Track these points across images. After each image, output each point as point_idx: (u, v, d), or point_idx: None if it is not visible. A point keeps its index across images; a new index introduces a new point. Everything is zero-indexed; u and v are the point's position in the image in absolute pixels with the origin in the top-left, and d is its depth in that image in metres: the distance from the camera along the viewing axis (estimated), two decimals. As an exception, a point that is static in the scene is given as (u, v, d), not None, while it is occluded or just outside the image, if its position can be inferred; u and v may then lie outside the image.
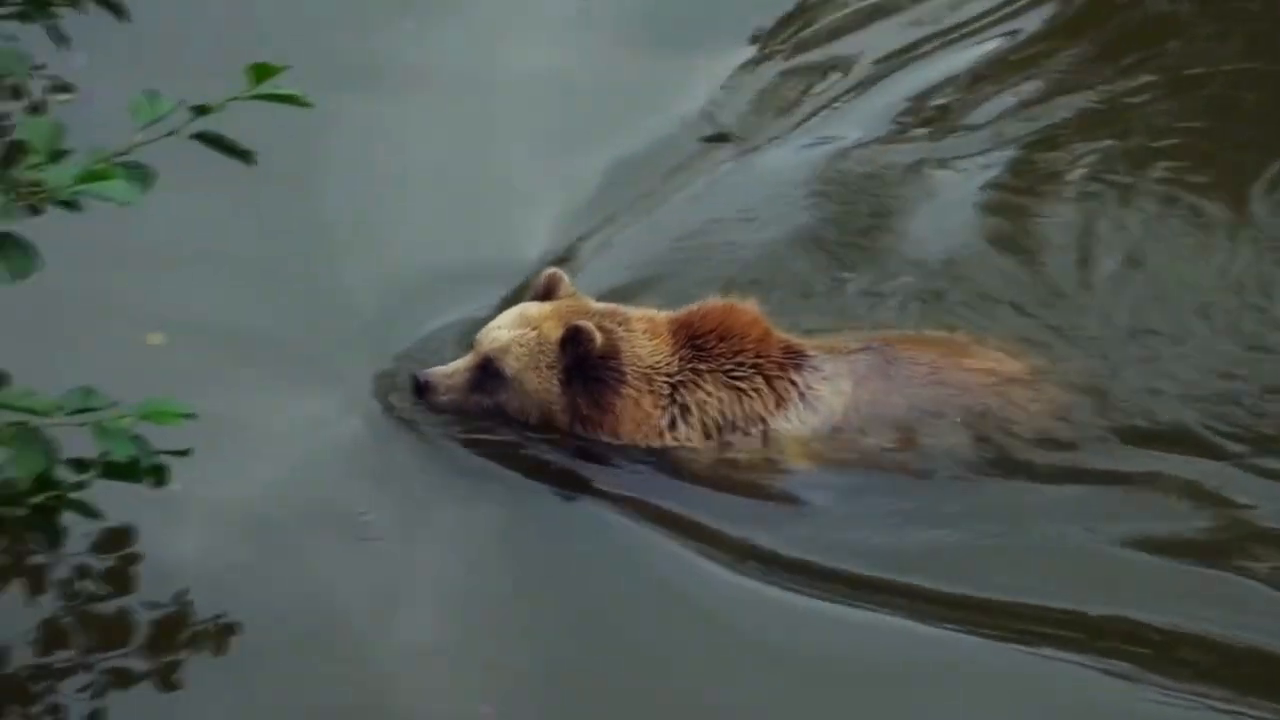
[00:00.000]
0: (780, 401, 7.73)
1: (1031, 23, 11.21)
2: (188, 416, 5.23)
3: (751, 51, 10.89)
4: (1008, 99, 10.53)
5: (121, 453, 5.18)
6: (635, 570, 7.41)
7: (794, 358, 7.79)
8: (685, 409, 7.73)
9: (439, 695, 6.91)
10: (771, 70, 10.79)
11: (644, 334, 7.75)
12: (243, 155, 5.11)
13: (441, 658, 7.06)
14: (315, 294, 8.73)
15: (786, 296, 8.68)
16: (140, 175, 4.92)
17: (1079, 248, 9.15)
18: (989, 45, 11.05)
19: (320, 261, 8.91)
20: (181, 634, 6.91)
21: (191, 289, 8.55)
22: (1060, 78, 10.71)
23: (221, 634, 6.92)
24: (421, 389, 7.64)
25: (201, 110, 4.98)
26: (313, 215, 9.07)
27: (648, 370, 7.74)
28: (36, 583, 7.04)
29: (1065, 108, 10.42)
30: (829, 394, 7.75)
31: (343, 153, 9.29)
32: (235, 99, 5.00)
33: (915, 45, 11.03)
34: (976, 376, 7.88)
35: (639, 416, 7.70)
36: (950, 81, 10.71)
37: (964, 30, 11.17)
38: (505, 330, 7.72)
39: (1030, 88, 10.63)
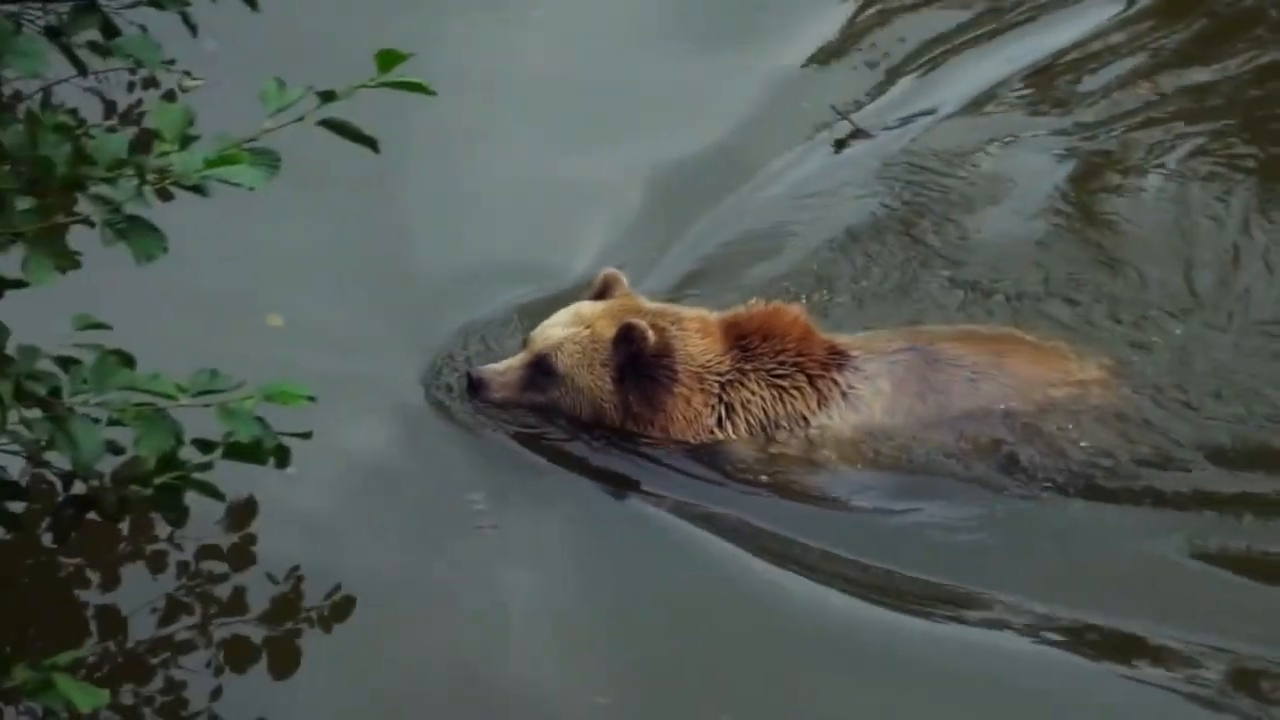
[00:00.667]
0: (822, 400, 7.76)
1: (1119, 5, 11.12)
2: (309, 399, 5.29)
3: (829, 43, 10.87)
4: (1102, 81, 10.44)
5: (245, 433, 5.24)
6: (709, 567, 7.46)
7: (836, 357, 7.83)
8: (731, 407, 7.80)
9: (549, 680, 6.95)
10: (851, 61, 10.76)
11: (696, 333, 7.81)
12: (368, 142, 5.14)
13: (552, 645, 7.12)
14: (401, 285, 8.85)
15: (871, 290, 8.71)
16: (267, 160, 4.97)
17: (1172, 245, 9.05)
18: (1070, 33, 10.95)
19: (401, 253, 9.03)
20: (295, 608, 7.01)
21: (296, 280, 8.71)
22: (1160, 59, 10.60)
23: (334, 611, 7.01)
24: (475, 386, 7.71)
25: (328, 97, 5.01)
26: (398, 209, 9.17)
27: (699, 369, 7.79)
28: (158, 557, 7.17)
29: (1167, 89, 10.33)
30: (869, 394, 7.78)
31: (430, 149, 9.35)
32: (362, 85, 5.03)
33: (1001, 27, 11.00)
34: (1018, 381, 7.84)
35: (689, 415, 7.76)
36: (1042, 65, 10.64)
37: (1041, 14, 11.10)
38: (559, 328, 7.80)
39: (1126, 68, 10.54)
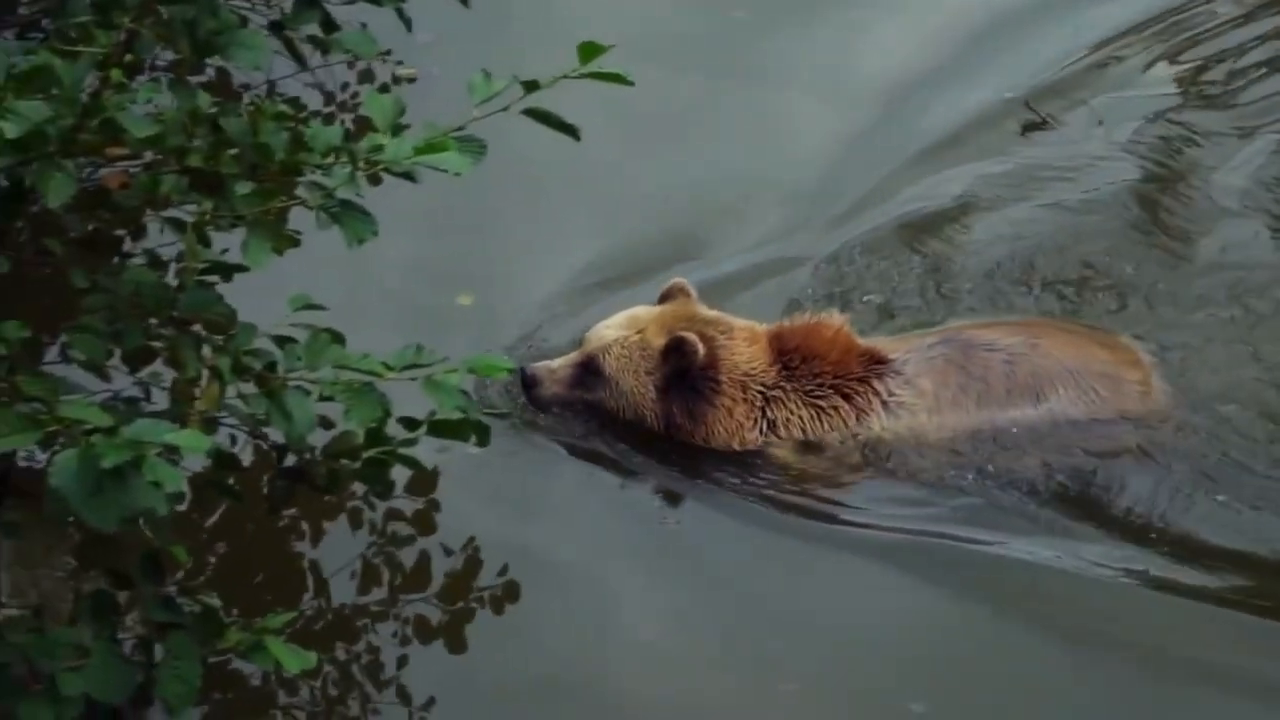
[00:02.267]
0: (861, 414, 7.74)
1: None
2: (510, 371, 5.45)
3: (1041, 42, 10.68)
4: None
5: (449, 406, 5.41)
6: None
7: (874, 367, 7.80)
8: (773, 424, 7.79)
9: (717, 670, 7.08)
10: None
11: (744, 342, 7.80)
12: (570, 130, 5.28)
13: (721, 634, 7.24)
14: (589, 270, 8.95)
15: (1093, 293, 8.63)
16: (472, 148, 5.14)
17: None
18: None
19: (592, 240, 9.12)
20: (469, 588, 7.19)
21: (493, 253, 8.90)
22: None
23: (503, 595, 7.18)
24: (528, 383, 7.68)
25: (531, 87, 5.14)
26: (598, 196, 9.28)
27: (743, 379, 7.79)
28: (358, 526, 7.39)
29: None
30: (910, 397, 7.74)
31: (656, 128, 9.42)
32: (565, 77, 5.17)
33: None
34: (1055, 363, 7.81)
35: (731, 427, 7.78)
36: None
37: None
38: (612, 330, 7.82)
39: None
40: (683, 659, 7.13)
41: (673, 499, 7.77)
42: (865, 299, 8.63)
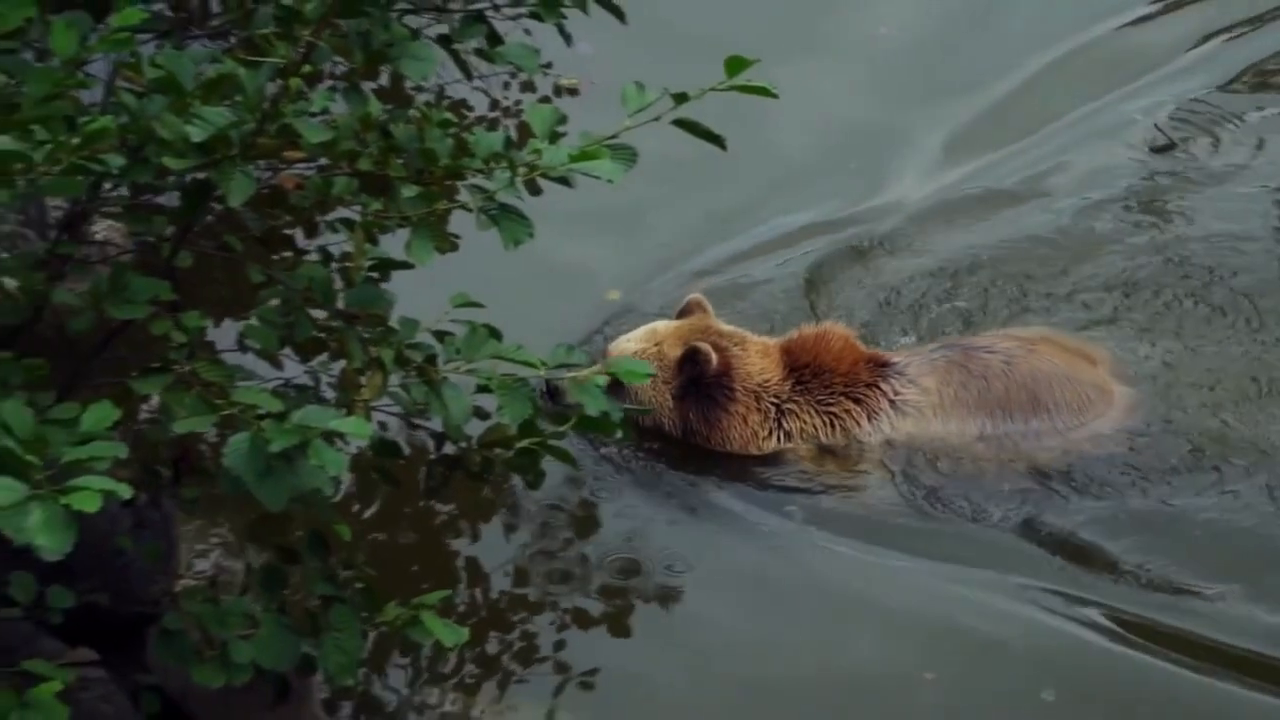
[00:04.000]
0: (872, 414, 7.88)
1: None
2: (649, 376, 5.59)
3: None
4: None
5: (594, 407, 5.57)
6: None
7: (880, 370, 7.96)
8: (789, 434, 7.95)
9: (867, 662, 7.19)
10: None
11: (758, 354, 7.96)
12: (716, 140, 5.37)
13: (870, 628, 7.37)
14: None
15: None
16: (625, 156, 5.25)
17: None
18: None
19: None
20: (631, 585, 7.33)
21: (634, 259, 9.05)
22: None
23: (666, 595, 7.32)
24: (551, 393, 7.65)
25: (681, 98, 5.25)
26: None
27: (756, 389, 7.96)
28: (514, 519, 7.54)
29: None
30: (915, 395, 7.90)
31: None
32: (712, 89, 5.24)
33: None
34: (1051, 367, 7.96)
35: (746, 434, 7.94)
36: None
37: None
38: (632, 343, 7.97)
39: None
40: (835, 647, 7.31)
41: (796, 507, 7.89)
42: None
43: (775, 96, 5.21)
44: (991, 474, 7.84)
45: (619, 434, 5.80)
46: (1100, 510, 7.72)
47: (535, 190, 5.35)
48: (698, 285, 8.73)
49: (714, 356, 7.87)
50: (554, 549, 7.50)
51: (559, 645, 7.10)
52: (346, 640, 5.74)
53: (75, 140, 4.53)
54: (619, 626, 7.26)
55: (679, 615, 7.36)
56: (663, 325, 8.16)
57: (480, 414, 5.77)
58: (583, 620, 7.23)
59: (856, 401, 7.99)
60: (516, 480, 7.39)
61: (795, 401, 7.98)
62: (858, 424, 7.98)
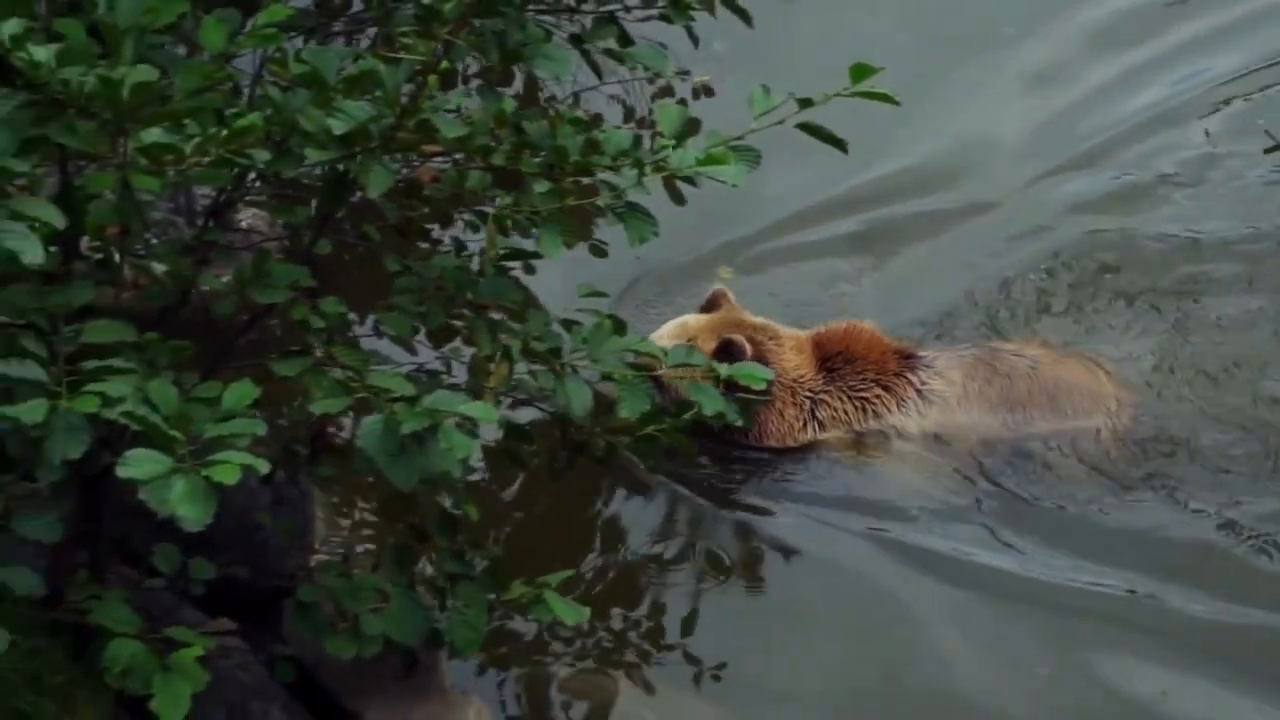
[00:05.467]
0: (900, 402, 7.86)
1: None
2: (767, 381, 5.66)
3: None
4: None
5: (710, 407, 5.65)
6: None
7: (908, 361, 7.96)
8: (821, 424, 7.89)
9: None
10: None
11: (791, 349, 7.88)
12: (838, 144, 5.39)
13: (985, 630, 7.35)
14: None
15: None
16: (748, 157, 5.28)
17: None
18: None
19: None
20: (744, 571, 7.42)
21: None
22: None
23: (786, 580, 7.45)
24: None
25: (805, 103, 5.27)
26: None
27: (791, 383, 7.91)
28: (636, 502, 7.62)
29: None
30: (941, 386, 7.90)
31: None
32: (836, 94, 5.25)
33: None
34: (1074, 377, 7.98)
35: (783, 427, 7.88)
36: None
37: None
38: (664, 339, 7.76)
39: None
40: (950, 643, 7.29)
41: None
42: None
43: (898, 104, 5.20)
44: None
45: (737, 420, 5.84)
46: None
47: (679, 199, 5.39)
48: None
49: (748, 348, 7.76)
50: (672, 532, 7.57)
51: (683, 627, 7.16)
52: (473, 616, 5.88)
53: (223, 134, 4.63)
54: (741, 611, 7.33)
55: (795, 601, 7.43)
56: (693, 319, 8.10)
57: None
58: (708, 604, 7.30)
59: (886, 389, 8.01)
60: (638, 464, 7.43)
61: (827, 390, 7.96)
62: (888, 410, 7.98)
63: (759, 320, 8.12)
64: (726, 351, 7.76)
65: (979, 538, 7.64)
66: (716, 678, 6.98)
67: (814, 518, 7.78)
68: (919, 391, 8.00)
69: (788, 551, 7.56)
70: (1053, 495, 7.78)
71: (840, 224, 9.27)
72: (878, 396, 8.00)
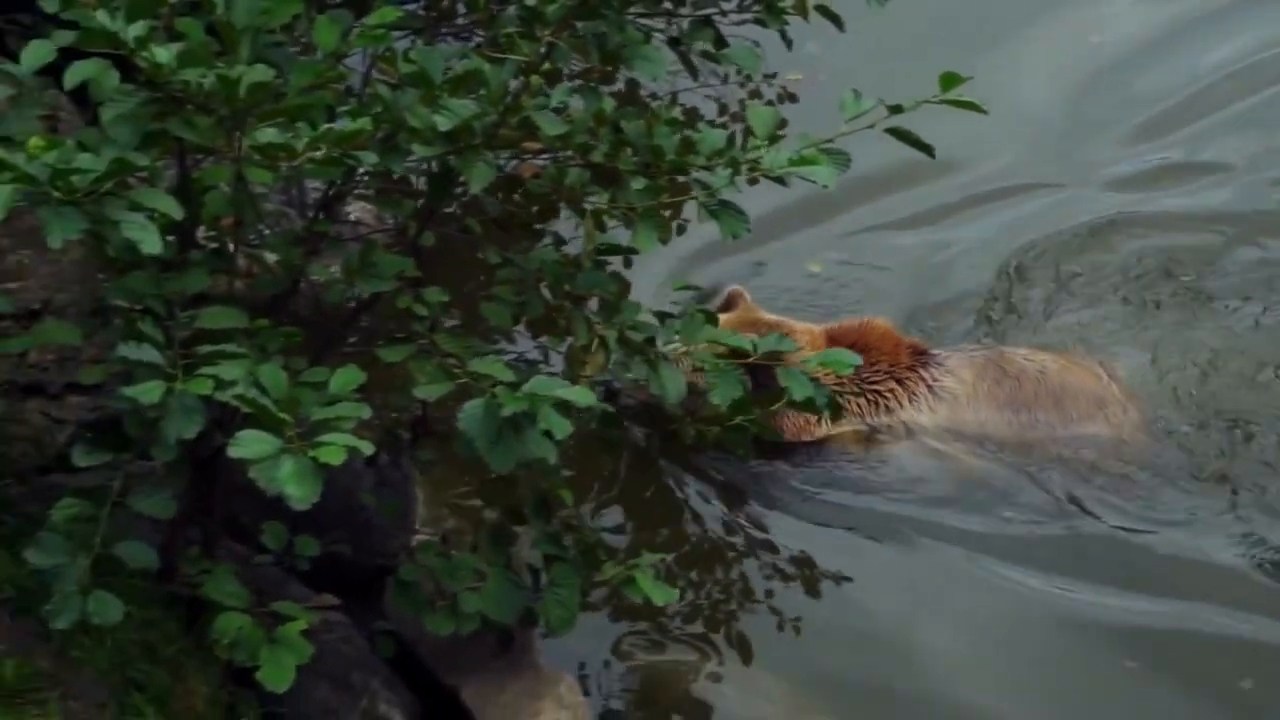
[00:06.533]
0: (912, 396, 7.85)
1: None
2: (853, 367, 5.70)
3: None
4: None
5: (800, 393, 5.68)
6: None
7: (920, 357, 7.96)
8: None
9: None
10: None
11: (806, 346, 7.70)
12: (925, 149, 5.43)
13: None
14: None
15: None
16: (839, 160, 5.30)
17: None
18: None
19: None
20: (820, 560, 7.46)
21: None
22: None
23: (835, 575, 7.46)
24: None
25: (895, 109, 5.31)
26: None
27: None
28: (728, 488, 7.69)
29: None
30: (952, 383, 7.88)
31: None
32: (925, 101, 5.26)
33: None
34: (1081, 383, 7.93)
35: (799, 422, 7.80)
36: None
37: None
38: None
39: None
40: (1015, 630, 7.29)
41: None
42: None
43: (985, 113, 5.21)
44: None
45: (826, 408, 5.88)
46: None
47: (754, 184, 5.42)
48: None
49: None
50: (759, 519, 7.64)
51: (754, 611, 7.23)
52: (566, 596, 5.99)
53: (334, 134, 4.74)
54: (836, 597, 7.39)
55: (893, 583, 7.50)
56: None
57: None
58: (806, 586, 7.37)
59: (899, 383, 8.01)
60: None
61: (841, 383, 7.87)
62: (900, 404, 7.98)
63: (773, 318, 8.09)
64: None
65: (984, 537, 7.64)
66: (786, 661, 7.06)
67: (828, 507, 7.82)
68: (930, 388, 8.01)
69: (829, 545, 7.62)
70: (1054, 498, 7.74)
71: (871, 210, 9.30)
72: (891, 390, 8.01)
